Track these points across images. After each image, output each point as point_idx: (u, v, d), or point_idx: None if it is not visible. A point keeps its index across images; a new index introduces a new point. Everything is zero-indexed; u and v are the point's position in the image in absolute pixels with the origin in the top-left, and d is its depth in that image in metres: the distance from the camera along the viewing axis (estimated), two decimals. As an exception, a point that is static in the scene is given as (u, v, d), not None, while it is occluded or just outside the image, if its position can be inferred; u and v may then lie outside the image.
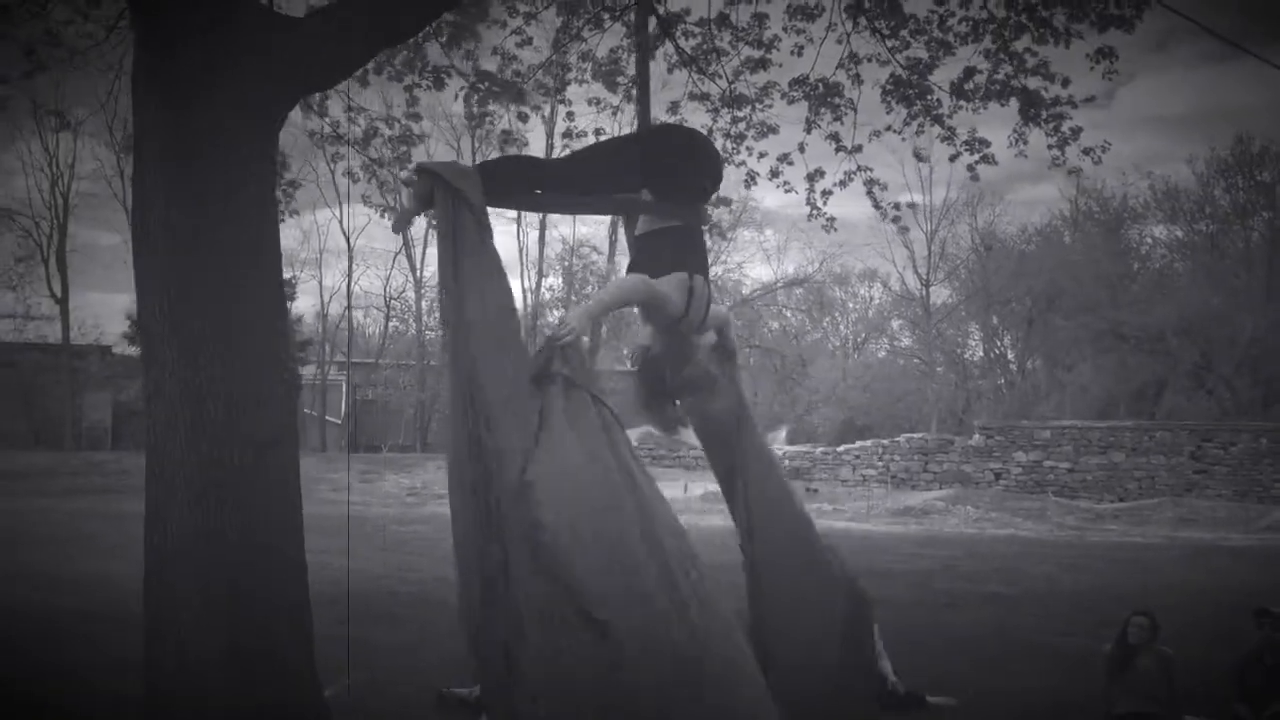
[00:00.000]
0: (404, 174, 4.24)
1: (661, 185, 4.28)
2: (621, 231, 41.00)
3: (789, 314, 55.66)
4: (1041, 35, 9.51)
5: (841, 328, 57.95)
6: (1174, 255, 48.10)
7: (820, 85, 11.31)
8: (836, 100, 11.18)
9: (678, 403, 4.52)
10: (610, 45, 12.34)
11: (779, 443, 36.63)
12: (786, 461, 33.83)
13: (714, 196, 4.81)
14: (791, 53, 11.46)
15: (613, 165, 4.38)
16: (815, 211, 10.72)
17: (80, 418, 41.02)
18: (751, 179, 11.11)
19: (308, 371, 45.13)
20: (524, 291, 46.99)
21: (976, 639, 10.48)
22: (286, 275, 44.02)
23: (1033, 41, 9.65)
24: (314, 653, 4.69)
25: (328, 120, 11.29)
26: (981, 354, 51.52)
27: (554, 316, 48.13)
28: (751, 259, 53.26)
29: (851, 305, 57.49)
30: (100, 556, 13.67)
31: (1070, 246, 47.45)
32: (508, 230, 52.01)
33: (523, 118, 11.81)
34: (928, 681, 8.37)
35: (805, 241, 50.02)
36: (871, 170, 10.62)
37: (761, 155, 11.13)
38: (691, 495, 29.67)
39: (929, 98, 10.45)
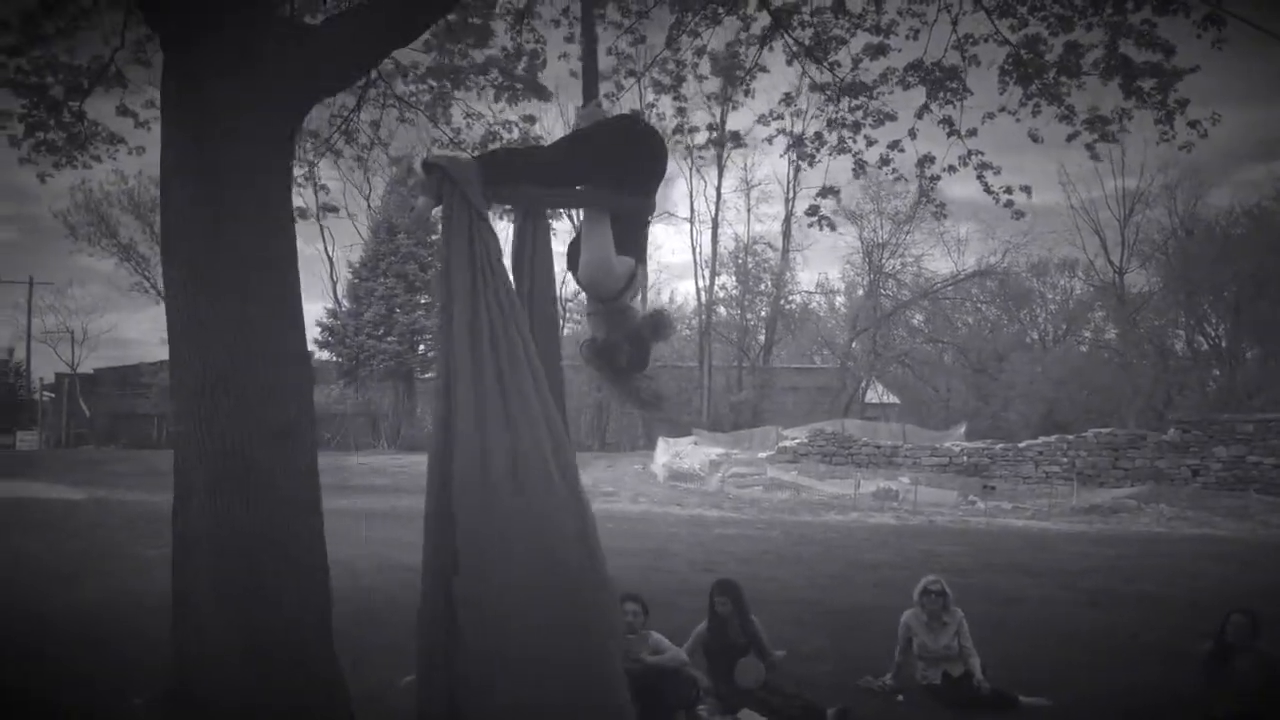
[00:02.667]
0: (415, 165, 4.47)
1: (630, 177, 4.39)
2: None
3: (982, 308, 53.86)
4: (1163, 4, 8.98)
5: (1040, 320, 55.69)
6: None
7: (936, 69, 10.98)
8: (953, 84, 10.84)
9: (647, 378, 4.58)
10: (726, 39, 12.38)
11: (956, 439, 35.48)
12: (965, 458, 32.85)
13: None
14: (907, 37, 11.19)
15: (597, 157, 4.47)
16: (925, 199, 10.42)
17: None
18: (860, 168, 10.88)
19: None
20: (698, 290, 47.27)
21: (1100, 639, 9.97)
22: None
23: (1152, 13, 9.11)
24: (333, 640, 4.88)
25: (449, 127, 11.71)
26: (1184, 345, 48.49)
27: (724, 313, 48.14)
28: (931, 252, 51.89)
29: (1050, 296, 55.24)
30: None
31: (1282, 227, 44.18)
32: (681, 230, 52.34)
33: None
34: (1038, 681, 8.06)
35: (987, 232, 48.26)
36: (983, 154, 10.26)
37: (871, 143, 10.90)
38: (863, 492, 29.21)
39: (1046, 76, 10.00)
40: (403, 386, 43.28)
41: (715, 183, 44.51)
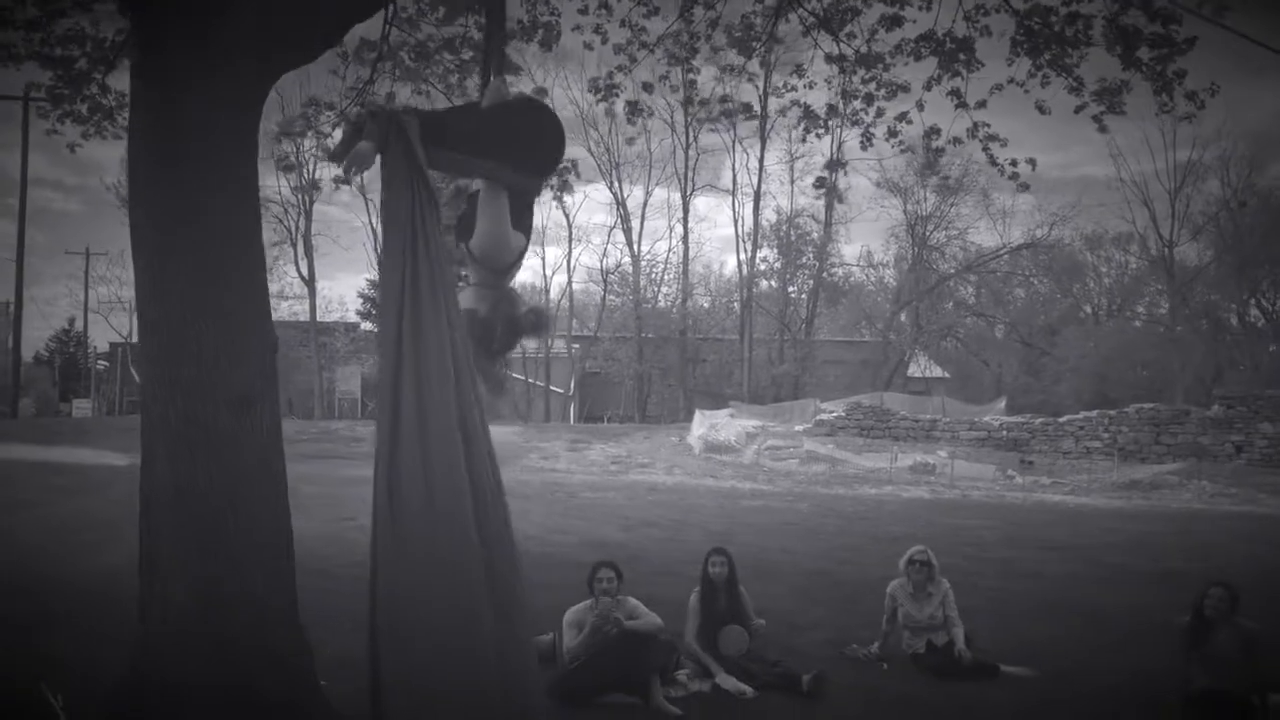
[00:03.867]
0: (355, 112, 4.59)
1: (533, 157, 4.50)
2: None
3: (1034, 281, 53.23)
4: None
5: (1094, 294, 54.91)
6: None
7: (948, 40, 10.89)
8: (964, 56, 10.74)
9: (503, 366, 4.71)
10: (741, 11, 12.33)
11: (996, 413, 35.20)
12: (1004, 433, 32.59)
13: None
14: (919, 7, 11.10)
15: (508, 133, 4.57)
16: (931, 170, 10.35)
17: (332, 389, 44.25)
18: (868, 140, 10.83)
19: (529, 345, 46.93)
20: (739, 263, 47.10)
21: (1109, 615, 9.93)
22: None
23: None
24: (296, 600, 5.04)
25: (464, 99, 11.80)
26: (1236, 319, 47.58)
27: (765, 285, 47.97)
28: (976, 225, 51.16)
29: (1104, 270, 54.41)
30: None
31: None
32: (723, 202, 51.98)
33: (648, 89, 11.95)
34: (1030, 654, 8.08)
35: (1035, 204, 47.60)
36: (989, 126, 10.16)
37: (879, 114, 10.84)
38: (900, 466, 29.11)
39: (1055, 47, 9.88)
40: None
41: (758, 155, 44.24)
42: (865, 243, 76.04)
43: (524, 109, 4.76)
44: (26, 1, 8.88)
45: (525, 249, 4.63)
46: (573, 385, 48.06)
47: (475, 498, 4.34)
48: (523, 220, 4.60)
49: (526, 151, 4.56)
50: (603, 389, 48.98)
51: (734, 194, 46.41)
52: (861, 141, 10.79)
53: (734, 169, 45.31)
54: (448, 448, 4.23)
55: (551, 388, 47.56)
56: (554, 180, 12.16)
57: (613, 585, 7.00)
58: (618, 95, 11.89)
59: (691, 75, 12.00)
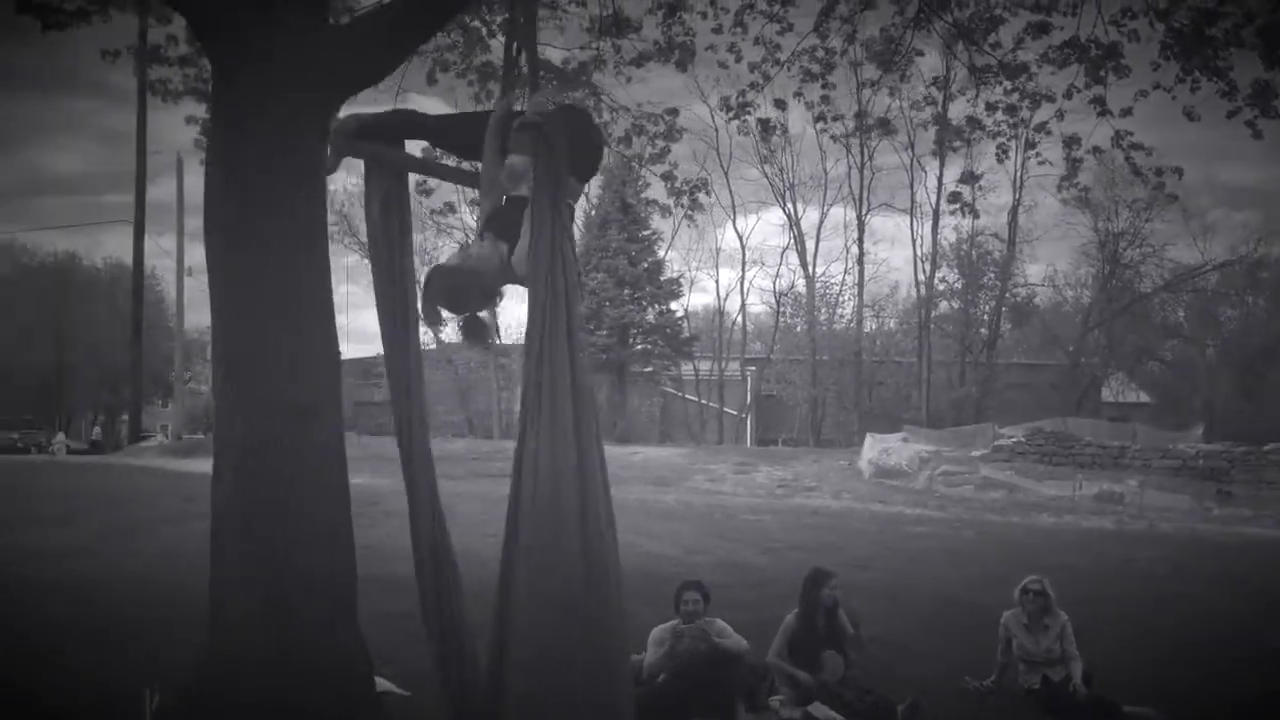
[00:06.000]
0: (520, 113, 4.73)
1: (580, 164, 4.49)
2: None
3: (1250, 300, 49.95)
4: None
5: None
6: None
7: (1093, 46, 10.39)
8: (1112, 62, 10.22)
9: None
10: (881, 24, 12.09)
11: (1193, 440, 33.08)
12: (1201, 461, 30.62)
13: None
14: (1064, 13, 10.64)
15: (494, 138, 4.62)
16: (1068, 182, 9.87)
17: (511, 409, 45.46)
18: (1004, 152, 10.42)
19: (703, 367, 47.10)
20: (916, 283, 45.97)
21: (1261, 661, 9.15)
22: (676, 274, 46.14)
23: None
24: (356, 609, 5.15)
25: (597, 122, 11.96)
26: None
27: (944, 307, 46.65)
28: (1175, 241, 48.22)
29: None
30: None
31: None
32: (900, 221, 50.82)
33: (780, 105, 11.86)
34: (1160, 698, 7.53)
35: (1241, 220, 44.72)
36: (1132, 134, 9.62)
37: (1016, 126, 10.41)
38: (1084, 494, 27.77)
39: (1206, 50, 9.29)
40: (614, 379, 44.25)
41: (937, 173, 43.12)
42: (1052, 262, 72.80)
43: (572, 114, 4.83)
44: (179, 39, 9.48)
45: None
46: (747, 407, 47.86)
47: (586, 516, 4.50)
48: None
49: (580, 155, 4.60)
50: (777, 412, 48.59)
51: (911, 213, 45.46)
52: (998, 154, 10.39)
53: (911, 186, 44.23)
54: (568, 458, 4.44)
55: (725, 409, 47.47)
56: (685, 200, 12.19)
57: (698, 607, 6.91)
58: (750, 113, 11.84)
59: (825, 91, 11.82)
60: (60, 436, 47.05)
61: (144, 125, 36.85)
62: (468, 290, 4.48)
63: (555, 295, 4.37)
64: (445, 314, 4.62)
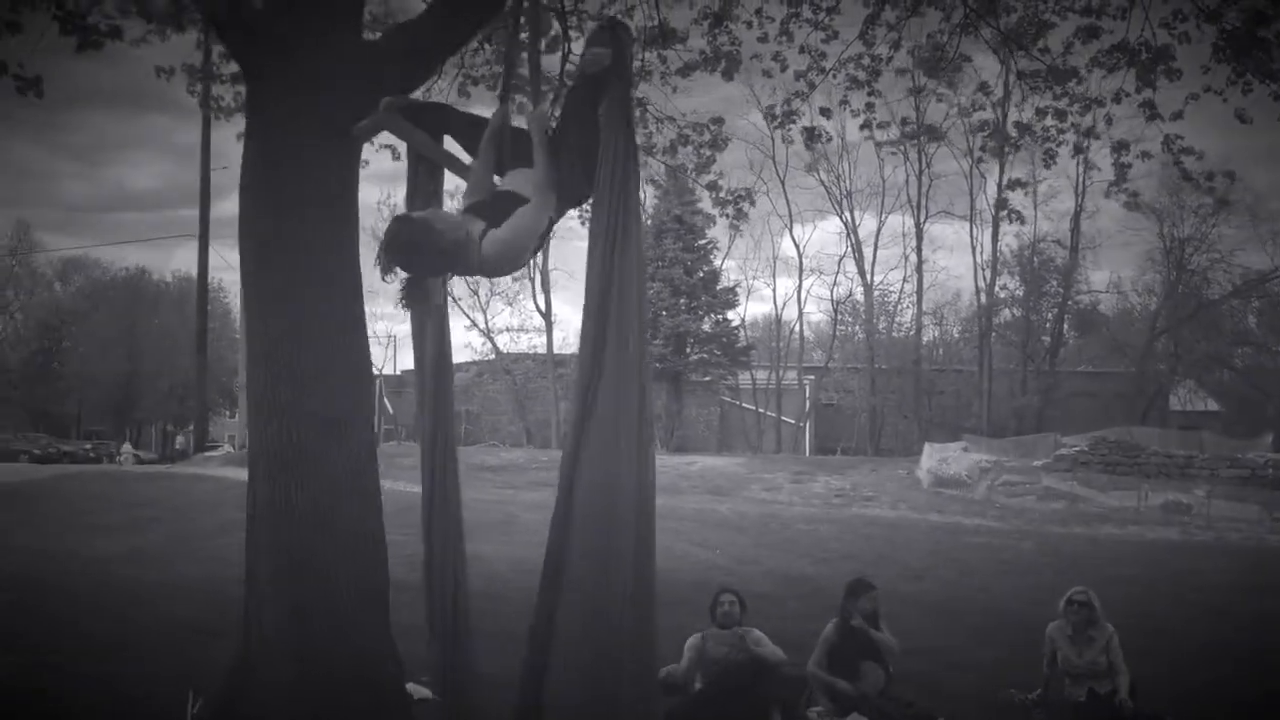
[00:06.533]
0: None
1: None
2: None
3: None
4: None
5: None
6: None
7: (1143, 49, 10.23)
8: (1164, 65, 10.05)
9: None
10: (928, 30, 12.00)
11: (1262, 449, 32.34)
12: (1270, 470, 29.89)
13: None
14: (1114, 17, 10.49)
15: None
16: (1117, 187, 9.71)
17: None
18: (1051, 158, 10.28)
19: (761, 376, 46.91)
20: (977, 291, 45.40)
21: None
22: (732, 283, 46.09)
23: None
24: (388, 615, 5.24)
25: (642, 131, 12.00)
26: None
27: (1006, 314, 46.03)
28: (1244, 246, 47.02)
29: None
30: (489, 540, 15.38)
31: None
32: (959, 228, 50.04)
33: (825, 114, 11.81)
34: (1207, 711, 7.39)
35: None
36: (1183, 138, 9.44)
37: (1063, 131, 10.27)
38: (1150, 505, 27.24)
39: (1258, 53, 9.11)
40: (671, 389, 44.23)
41: (996, 179, 42.56)
42: (1115, 269, 71.35)
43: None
44: (230, 57, 9.68)
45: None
46: (805, 416, 47.59)
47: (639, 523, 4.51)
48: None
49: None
50: (836, 421, 48.26)
51: (971, 220, 44.89)
52: (1044, 160, 10.24)
53: (971, 193, 43.69)
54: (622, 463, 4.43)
55: (783, 419, 47.23)
56: (730, 210, 12.19)
57: (733, 608, 6.91)
58: (794, 122, 11.80)
59: (871, 98, 11.75)
60: (127, 446, 48.17)
61: (208, 141, 37.58)
62: (422, 248, 4.27)
63: (626, 210, 4.45)
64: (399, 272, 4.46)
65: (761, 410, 47.04)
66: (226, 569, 12.00)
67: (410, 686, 6.37)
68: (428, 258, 4.31)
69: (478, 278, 37.56)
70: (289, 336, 5.04)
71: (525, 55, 5.49)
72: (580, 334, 4.61)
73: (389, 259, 4.27)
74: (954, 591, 12.59)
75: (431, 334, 5.09)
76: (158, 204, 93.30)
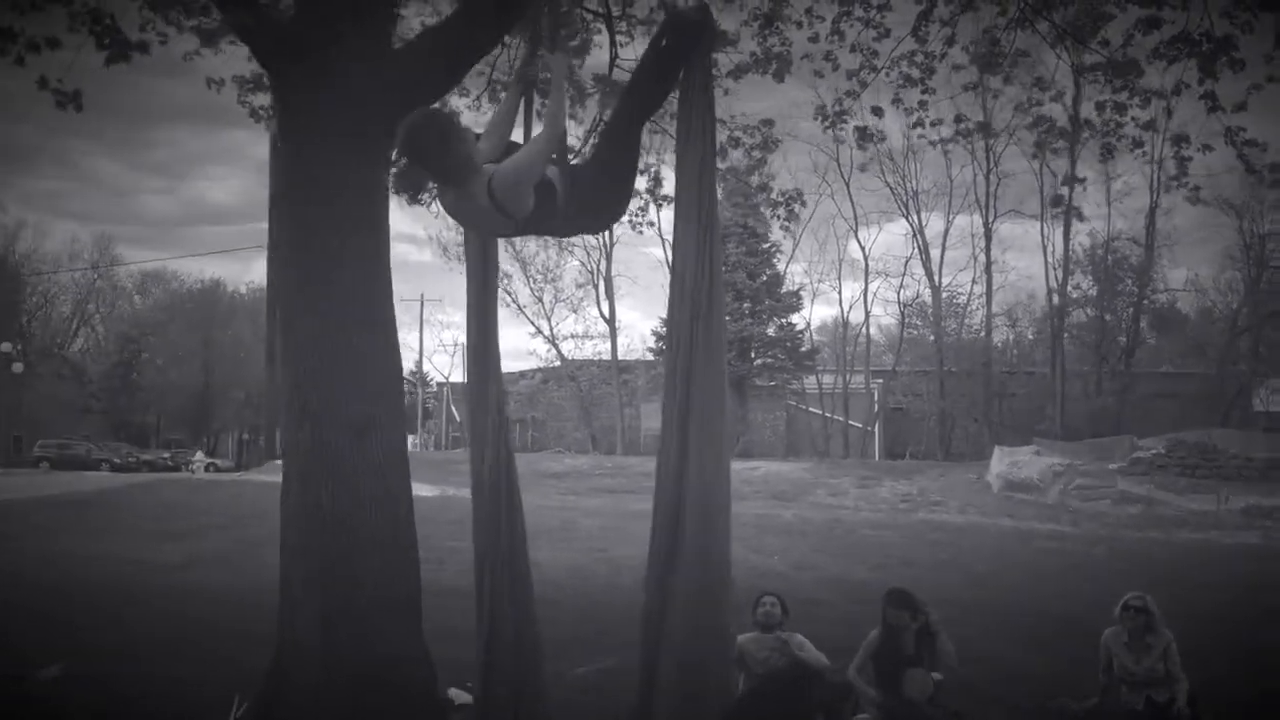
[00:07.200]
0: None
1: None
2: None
3: None
4: None
5: None
6: None
7: (1205, 40, 9.93)
8: (1226, 56, 9.75)
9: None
10: (983, 25, 11.79)
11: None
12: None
13: None
14: (1175, 7, 10.21)
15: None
16: (1178, 182, 9.43)
17: (634, 425, 45.68)
18: (1109, 152, 10.02)
19: (828, 380, 46.47)
20: (1049, 291, 44.49)
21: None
22: (796, 286, 45.73)
23: None
24: (420, 618, 5.24)
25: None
26: None
27: (1079, 315, 45.05)
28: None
29: None
30: (548, 545, 15.42)
31: None
32: (1029, 227, 48.72)
33: (877, 113, 11.66)
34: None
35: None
36: (1245, 130, 9.13)
37: (1120, 125, 10.01)
38: (1230, 509, 26.51)
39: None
40: (735, 393, 44.01)
41: (1065, 177, 41.65)
42: (1193, 267, 69.42)
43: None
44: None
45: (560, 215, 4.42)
46: (874, 420, 47.05)
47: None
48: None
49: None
50: (905, 425, 47.64)
51: (1042, 218, 43.99)
52: (1101, 154, 9.99)
53: (1041, 190, 42.78)
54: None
55: (850, 423, 46.75)
56: (781, 211, 12.09)
57: (774, 609, 6.82)
58: (846, 122, 11.67)
59: (924, 96, 11.56)
60: (199, 454, 49.17)
61: (276, 153, 38.38)
62: (447, 136, 4.18)
63: (708, 190, 4.73)
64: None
65: (829, 415, 46.61)
66: (275, 573, 12.23)
67: (452, 691, 6.39)
68: (437, 153, 4.16)
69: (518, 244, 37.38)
70: (317, 341, 5.08)
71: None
72: (667, 318, 4.95)
73: (405, 136, 4.20)
74: (1018, 598, 12.31)
75: (475, 310, 5.15)
76: (236, 217, 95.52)
